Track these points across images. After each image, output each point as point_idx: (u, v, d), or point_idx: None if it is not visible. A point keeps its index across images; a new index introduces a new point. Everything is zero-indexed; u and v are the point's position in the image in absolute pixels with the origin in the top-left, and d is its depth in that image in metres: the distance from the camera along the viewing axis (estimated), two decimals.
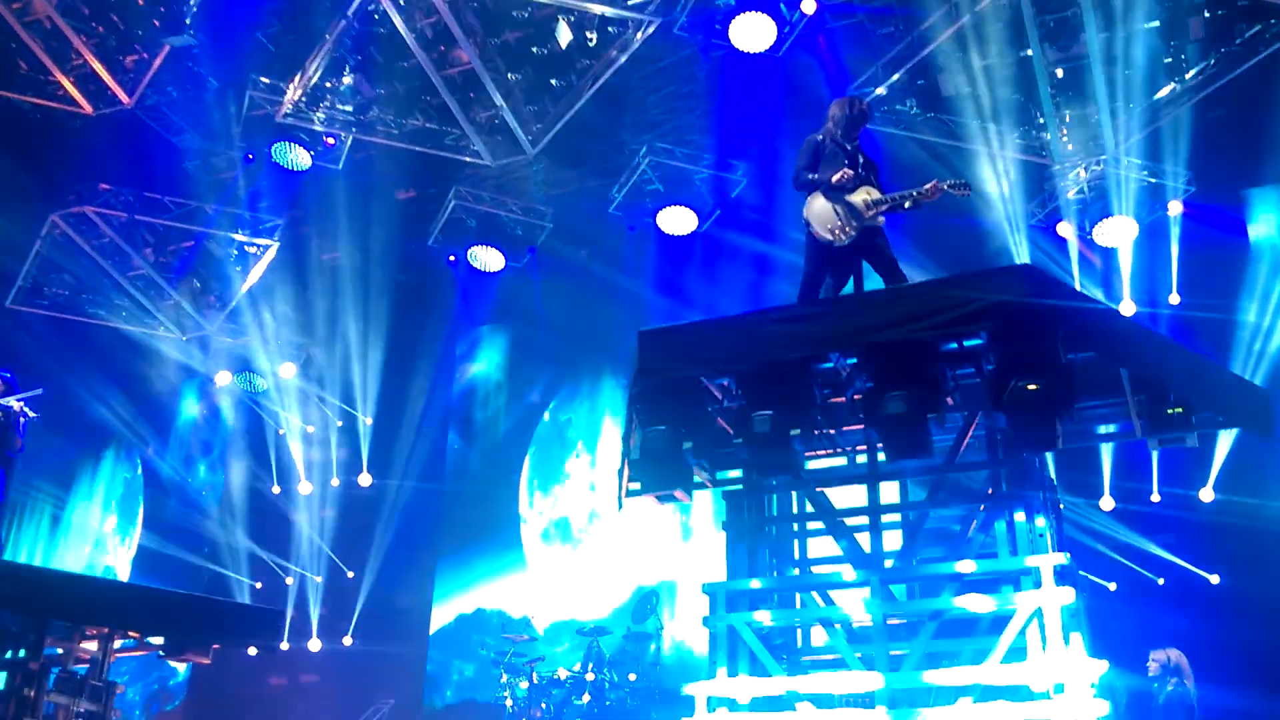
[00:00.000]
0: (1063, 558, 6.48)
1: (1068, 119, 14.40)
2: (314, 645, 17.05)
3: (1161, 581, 13.95)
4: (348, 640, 17.33)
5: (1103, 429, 7.17)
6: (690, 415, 6.67)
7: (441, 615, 17.25)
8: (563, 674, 14.19)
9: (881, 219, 7.17)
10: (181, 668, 17.67)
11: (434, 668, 17.04)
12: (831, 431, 7.08)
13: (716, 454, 7.19)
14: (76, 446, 19.44)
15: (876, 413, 6.08)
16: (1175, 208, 14.68)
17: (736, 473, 7.36)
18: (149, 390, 18.58)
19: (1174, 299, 14.57)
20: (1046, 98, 14.03)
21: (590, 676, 14.12)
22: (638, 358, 6.60)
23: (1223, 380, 6.99)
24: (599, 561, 16.84)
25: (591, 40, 13.95)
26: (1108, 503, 14.31)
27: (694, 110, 15.10)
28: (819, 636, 7.63)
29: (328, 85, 14.81)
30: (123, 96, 14.60)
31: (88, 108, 14.70)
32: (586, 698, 13.98)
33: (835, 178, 7.14)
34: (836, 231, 7.11)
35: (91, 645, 8.77)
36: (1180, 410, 6.44)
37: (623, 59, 13.98)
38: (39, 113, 14.88)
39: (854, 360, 6.61)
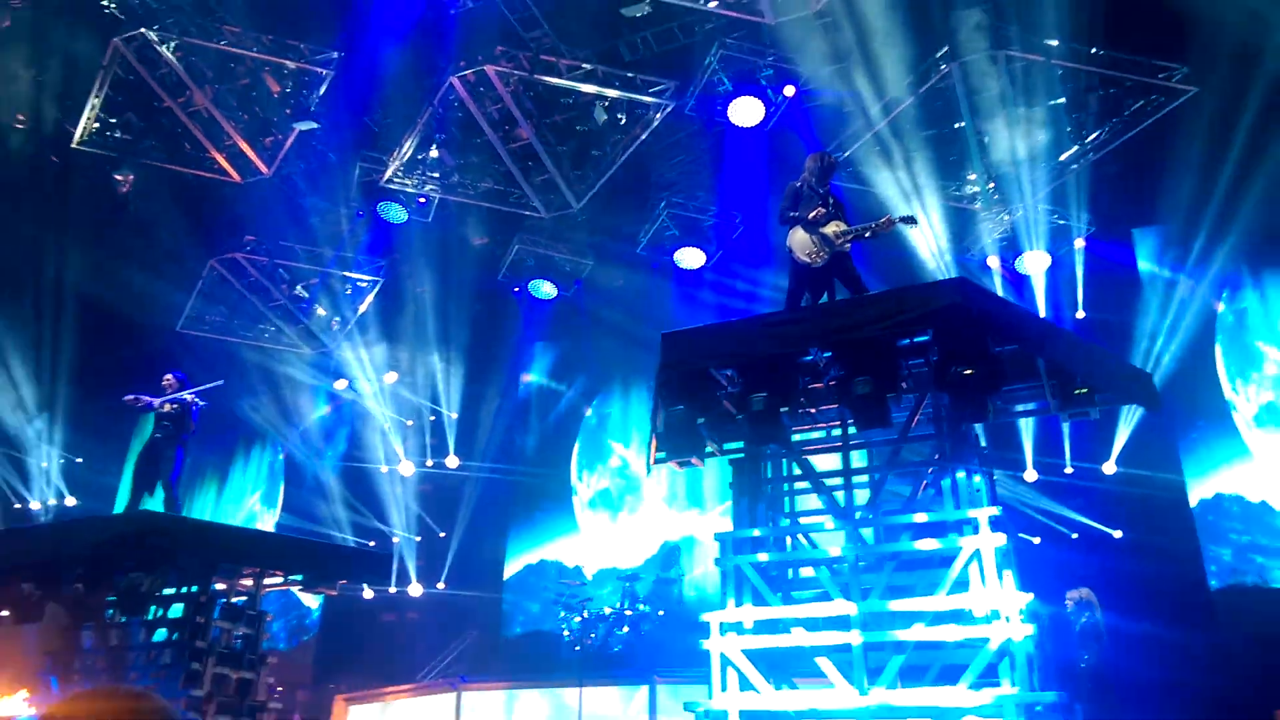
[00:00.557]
0: (995, 510, 6.35)
1: (992, 174, 14.35)
2: (415, 590, 17.10)
3: (1075, 536, 13.86)
4: (441, 585, 17.36)
5: (1023, 406, 7.06)
6: (702, 398, 6.61)
7: (513, 566, 17.26)
8: (607, 611, 14.13)
9: (848, 246, 7.16)
10: (314, 604, 17.79)
11: (507, 607, 17.02)
12: (812, 410, 7.00)
13: (723, 429, 7.11)
14: (231, 440, 19.63)
15: (847, 394, 6.00)
16: (1079, 243, 14.62)
17: (739, 444, 7.27)
18: (285, 394, 18.75)
19: (1080, 314, 14.50)
20: (976, 158, 14.01)
21: (628, 612, 14.07)
22: (661, 354, 6.55)
23: (1118, 367, 6.88)
24: (633, 523, 16.82)
25: (622, 120, 14.06)
26: (1031, 475, 14.21)
27: (701, 172, 15.14)
28: (806, 573, 7.60)
29: (419, 157, 14.95)
30: (263, 168, 14.80)
31: (237, 177, 14.91)
32: (626, 629, 13.91)
33: (811, 215, 7.13)
34: (813, 256, 7.10)
35: (248, 582, 8.86)
36: (1085, 390, 6.35)
37: (645, 135, 14.09)
38: (199, 181, 15.09)
39: (829, 354, 6.56)
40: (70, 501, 17.13)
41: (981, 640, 5.99)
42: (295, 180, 15.41)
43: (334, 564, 9.40)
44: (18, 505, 16.82)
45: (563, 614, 14.32)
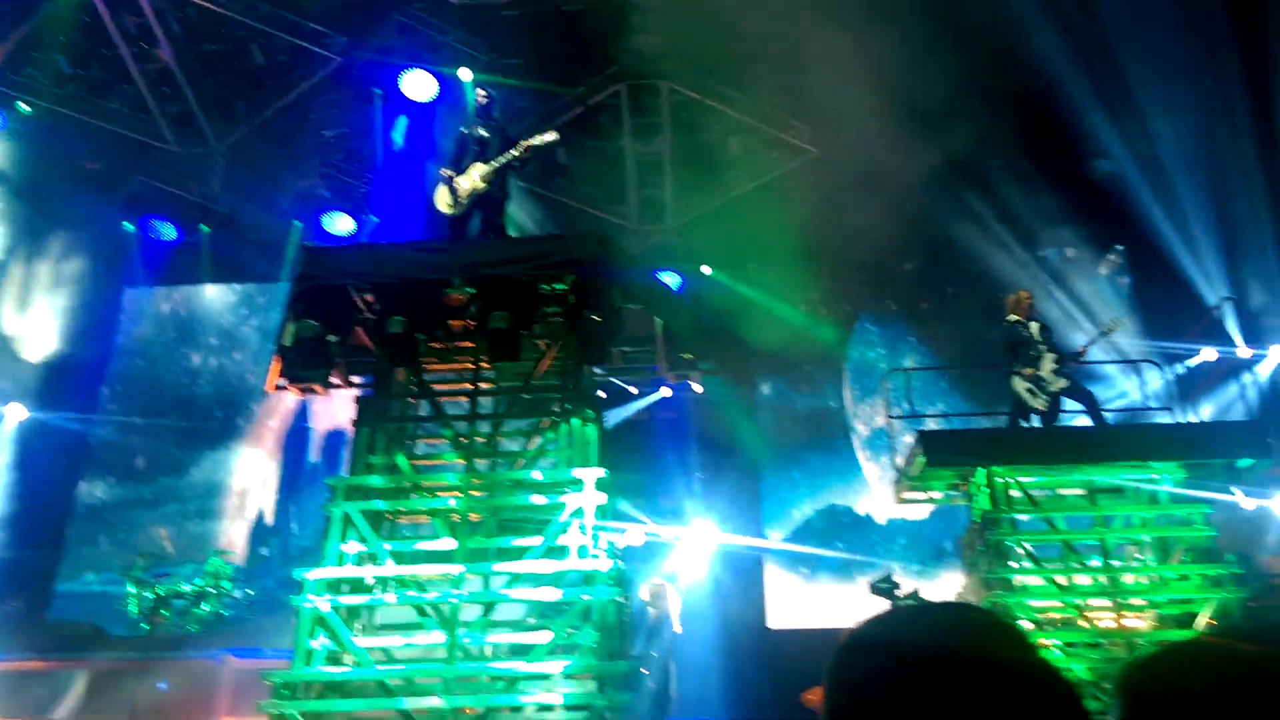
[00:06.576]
0: (601, 471, 6.59)
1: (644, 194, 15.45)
2: None
3: None
4: None
5: (645, 371, 7.62)
6: (338, 318, 6.51)
7: None
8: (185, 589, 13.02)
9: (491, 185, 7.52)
10: None
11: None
12: (448, 344, 7.04)
13: (355, 361, 7.08)
14: None
15: (484, 326, 6.25)
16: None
17: (368, 378, 7.14)
18: None
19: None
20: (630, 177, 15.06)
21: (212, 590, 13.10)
22: (300, 266, 6.43)
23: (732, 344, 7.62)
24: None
25: (284, 62, 13.56)
26: None
27: (363, 137, 14.82)
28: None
29: (33, 55, 13.21)
30: None
31: None
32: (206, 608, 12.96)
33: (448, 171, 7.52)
34: (450, 205, 7.42)
35: None
36: (690, 356, 7.13)
37: (306, 86, 13.72)
38: None
39: (471, 290, 6.66)
40: None
41: (572, 600, 6.28)
42: None
43: None
44: None
45: (134, 590, 12.98)
